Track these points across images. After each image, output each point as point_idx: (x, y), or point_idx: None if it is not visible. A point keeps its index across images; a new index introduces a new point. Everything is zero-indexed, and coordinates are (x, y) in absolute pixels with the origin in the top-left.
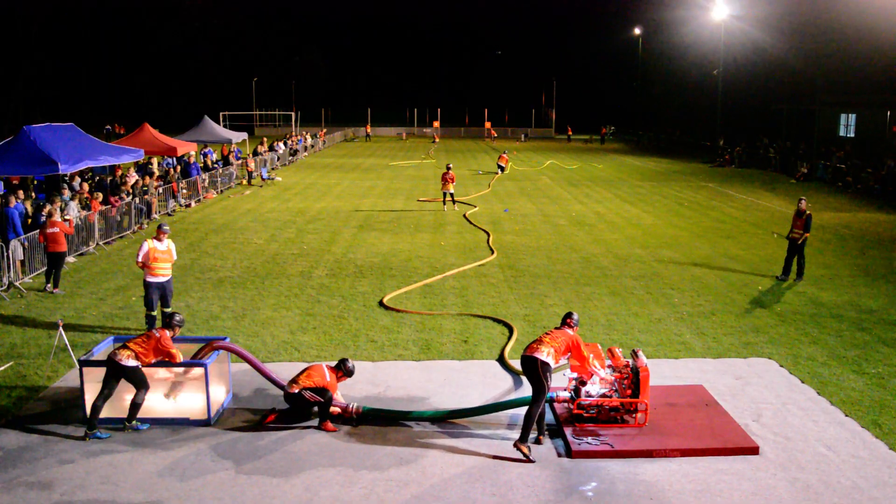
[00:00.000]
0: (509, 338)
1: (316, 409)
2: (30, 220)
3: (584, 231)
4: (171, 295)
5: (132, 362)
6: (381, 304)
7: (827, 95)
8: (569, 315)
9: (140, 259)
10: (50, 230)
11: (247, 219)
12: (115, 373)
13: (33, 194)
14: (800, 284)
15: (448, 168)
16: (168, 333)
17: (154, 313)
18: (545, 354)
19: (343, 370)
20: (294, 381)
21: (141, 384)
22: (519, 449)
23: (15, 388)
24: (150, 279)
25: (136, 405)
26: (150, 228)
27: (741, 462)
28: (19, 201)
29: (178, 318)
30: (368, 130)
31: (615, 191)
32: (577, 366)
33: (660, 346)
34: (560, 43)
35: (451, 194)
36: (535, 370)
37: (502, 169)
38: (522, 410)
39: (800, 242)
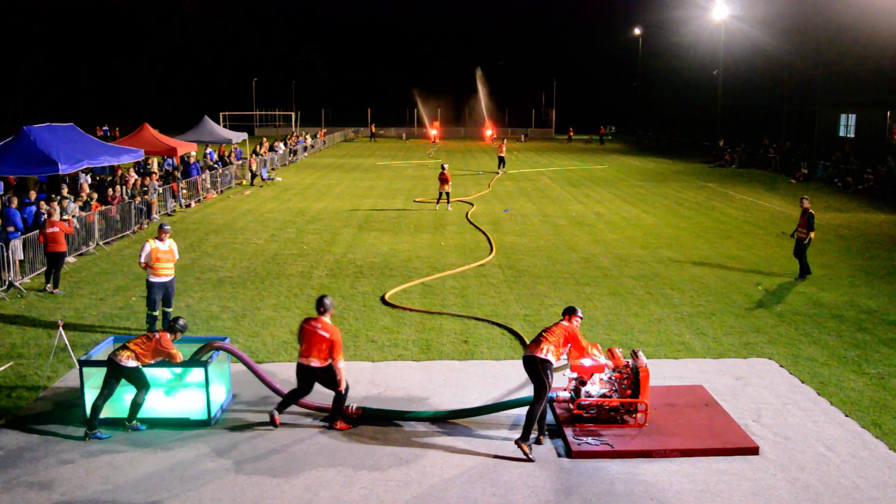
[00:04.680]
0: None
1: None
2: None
3: (584, 231)
4: (173, 294)
5: (132, 363)
6: (382, 300)
7: (827, 95)
8: (569, 311)
9: (143, 260)
10: (50, 230)
11: (247, 219)
12: (115, 373)
13: (32, 194)
14: (800, 284)
15: (443, 168)
16: (169, 336)
17: (156, 313)
18: (544, 352)
19: None
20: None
21: (141, 384)
22: (520, 447)
23: (15, 388)
24: (154, 279)
25: (136, 405)
26: (150, 229)
27: (741, 462)
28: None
29: (181, 323)
30: (374, 130)
31: (615, 191)
32: (577, 361)
33: (660, 346)
34: (560, 43)
35: (447, 194)
36: (535, 368)
37: (502, 160)
38: (523, 411)
39: (805, 242)
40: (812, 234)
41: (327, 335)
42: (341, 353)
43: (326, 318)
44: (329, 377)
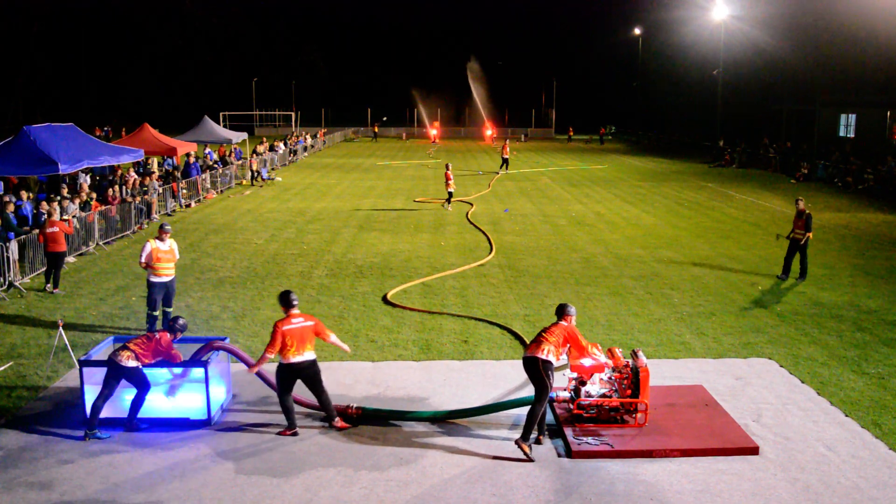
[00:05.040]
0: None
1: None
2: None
3: (584, 231)
4: (174, 294)
5: (132, 363)
6: (384, 299)
7: (827, 95)
8: (563, 309)
9: (143, 260)
10: (49, 230)
11: (247, 219)
12: (115, 373)
13: (31, 195)
14: (800, 284)
15: (447, 167)
16: (169, 336)
17: (156, 313)
18: (545, 353)
19: None
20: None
21: (141, 385)
22: (520, 447)
23: (15, 388)
24: (154, 279)
25: (136, 405)
26: (150, 229)
27: (741, 462)
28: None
29: (180, 323)
30: (377, 129)
31: (615, 191)
32: (577, 361)
33: (660, 346)
34: (560, 43)
35: (450, 193)
36: (536, 370)
37: (506, 161)
38: (523, 411)
39: (803, 243)
40: (810, 235)
41: (312, 323)
42: (327, 328)
43: (297, 311)
44: (317, 371)
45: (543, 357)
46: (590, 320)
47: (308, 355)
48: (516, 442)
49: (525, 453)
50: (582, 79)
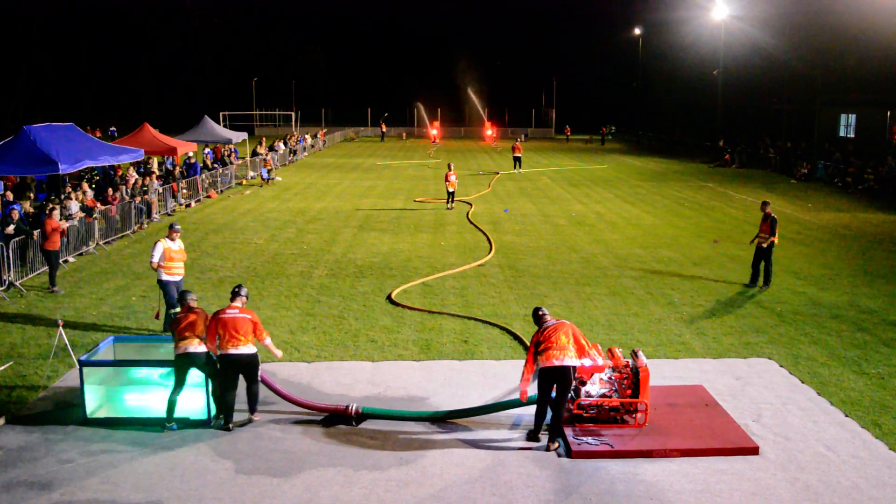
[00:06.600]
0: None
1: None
2: (30, 219)
3: (584, 231)
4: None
5: (202, 347)
6: (388, 299)
7: (827, 95)
8: (539, 310)
9: (156, 260)
10: (47, 229)
11: (247, 219)
12: (190, 364)
13: (31, 195)
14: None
15: (449, 167)
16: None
17: (177, 310)
18: (572, 359)
19: None
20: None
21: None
22: (550, 448)
23: (15, 388)
24: (167, 277)
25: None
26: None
27: (741, 462)
28: (19, 203)
29: (192, 296)
30: (384, 129)
31: (615, 191)
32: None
33: (660, 346)
34: (559, 43)
35: (452, 193)
36: (568, 378)
37: (518, 161)
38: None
39: (766, 246)
40: (775, 240)
41: (248, 316)
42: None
43: (238, 303)
44: (256, 366)
45: (575, 364)
46: (590, 320)
47: (244, 349)
48: (547, 447)
49: (555, 450)
50: (582, 79)
